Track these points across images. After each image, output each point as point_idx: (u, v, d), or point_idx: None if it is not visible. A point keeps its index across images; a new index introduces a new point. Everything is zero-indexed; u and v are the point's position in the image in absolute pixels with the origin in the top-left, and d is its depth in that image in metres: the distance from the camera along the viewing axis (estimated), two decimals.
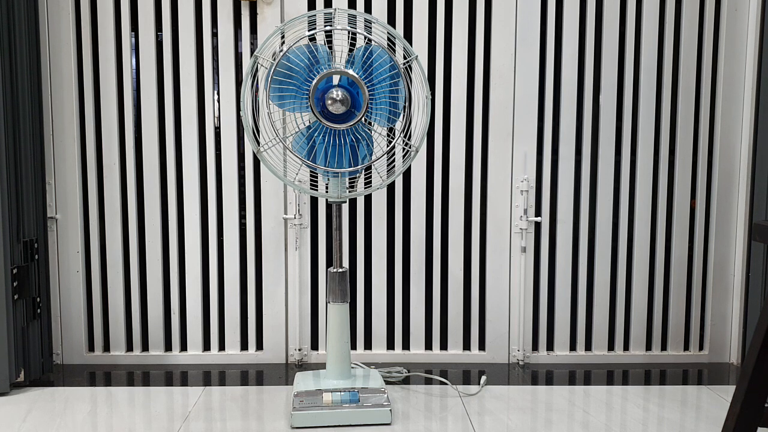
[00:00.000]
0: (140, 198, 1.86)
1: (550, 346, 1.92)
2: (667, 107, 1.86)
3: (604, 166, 1.87)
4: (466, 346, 1.92)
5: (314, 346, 1.90)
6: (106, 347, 1.89)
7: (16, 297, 1.64)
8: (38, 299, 1.74)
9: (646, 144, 1.86)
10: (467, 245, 1.89)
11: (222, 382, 1.73)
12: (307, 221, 1.85)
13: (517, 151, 1.84)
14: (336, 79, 1.42)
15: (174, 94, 1.83)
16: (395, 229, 1.87)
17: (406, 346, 1.91)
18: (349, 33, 1.46)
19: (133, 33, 1.82)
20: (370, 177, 1.54)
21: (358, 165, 1.46)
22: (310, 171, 1.55)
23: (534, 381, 1.75)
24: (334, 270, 1.53)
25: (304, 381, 1.56)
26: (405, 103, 1.45)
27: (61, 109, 1.80)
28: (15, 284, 1.64)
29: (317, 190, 1.56)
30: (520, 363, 1.88)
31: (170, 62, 1.82)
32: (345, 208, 1.86)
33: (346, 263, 1.87)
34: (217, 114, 1.85)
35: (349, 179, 1.54)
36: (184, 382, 1.73)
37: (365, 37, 1.44)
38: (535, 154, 1.85)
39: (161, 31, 1.82)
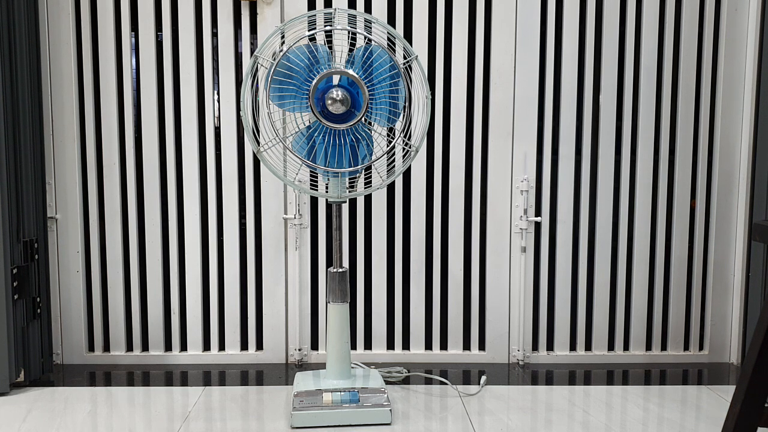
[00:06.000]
0: (140, 198, 1.86)
1: (550, 346, 1.92)
2: (667, 107, 1.86)
3: (604, 166, 1.87)
4: (466, 346, 1.92)
5: (314, 346, 1.90)
6: (106, 347, 1.89)
7: (16, 297, 1.64)
8: (38, 299, 1.74)
9: (646, 144, 1.86)
10: (467, 245, 1.89)
11: (222, 382, 1.73)
12: (307, 221, 1.85)
13: (517, 151, 1.84)
14: (336, 79, 1.42)
15: (174, 94, 1.83)
16: (395, 229, 1.87)
17: (406, 346, 1.91)
18: (349, 33, 1.46)
19: (133, 33, 1.82)
20: (370, 177, 1.54)
21: (358, 165, 1.46)
22: (310, 171, 1.55)
23: (534, 381, 1.75)
24: (334, 270, 1.53)
25: (304, 381, 1.56)
26: (405, 103, 1.45)
27: (61, 109, 1.80)
28: (15, 284, 1.64)
29: (317, 190, 1.56)
30: (520, 363, 1.88)
31: (170, 62, 1.82)
32: (345, 208, 1.86)
33: (346, 263, 1.87)
34: (217, 114, 1.85)
35: (349, 179, 1.54)
36: (184, 382, 1.73)
37: (365, 37, 1.44)
38: (535, 154, 1.85)
39: (161, 31, 1.82)
